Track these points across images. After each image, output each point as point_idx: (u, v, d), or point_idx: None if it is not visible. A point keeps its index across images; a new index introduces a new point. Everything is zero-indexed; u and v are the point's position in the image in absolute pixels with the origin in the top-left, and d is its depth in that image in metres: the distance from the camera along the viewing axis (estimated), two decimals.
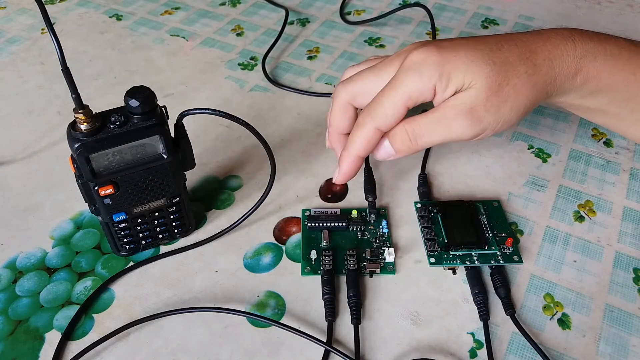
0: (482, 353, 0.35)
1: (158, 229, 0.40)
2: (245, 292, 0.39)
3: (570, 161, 0.48)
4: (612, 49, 0.36)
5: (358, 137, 0.36)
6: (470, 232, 0.40)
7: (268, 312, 0.37)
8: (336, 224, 0.41)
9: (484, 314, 0.36)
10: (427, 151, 0.48)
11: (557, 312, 0.37)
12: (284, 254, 0.41)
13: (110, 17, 0.67)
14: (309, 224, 0.41)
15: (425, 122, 0.35)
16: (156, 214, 0.39)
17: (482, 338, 0.36)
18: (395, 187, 0.45)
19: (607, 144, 0.49)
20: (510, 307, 0.36)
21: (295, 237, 0.42)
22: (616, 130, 0.42)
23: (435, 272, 0.39)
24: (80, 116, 0.33)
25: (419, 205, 0.43)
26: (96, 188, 0.35)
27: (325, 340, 0.35)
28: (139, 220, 0.38)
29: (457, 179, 0.46)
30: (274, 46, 0.61)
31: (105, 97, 0.55)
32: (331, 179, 0.46)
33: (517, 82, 0.34)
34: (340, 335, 0.36)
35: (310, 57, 0.60)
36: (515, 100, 0.34)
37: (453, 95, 0.34)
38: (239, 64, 0.59)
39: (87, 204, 0.37)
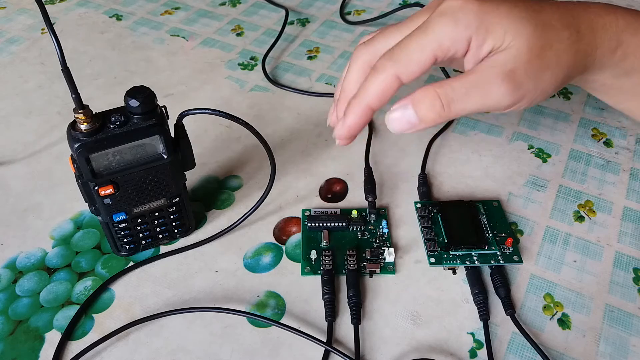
0: (482, 353, 0.35)
1: (158, 229, 0.40)
2: (245, 292, 0.39)
3: (570, 161, 0.48)
4: None
5: (373, 82, 0.31)
6: (470, 232, 0.40)
7: (268, 312, 0.37)
8: (336, 224, 0.41)
9: (484, 314, 0.36)
10: (427, 151, 0.48)
11: (557, 312, 0.37)
12: (284, 254, 0.41)
13: (110, 17, 0.67)
14: (309, 224, 0.42)
15: (459, 85, 0.30)
16: (156, 214, 0.39)
17: (482, 338, 0.36)
18: (395, 187, 0.45)
19: (607, 144, 0.49)
20: (510, 307, 0.36)
21: (295, 237, 0.42)
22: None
23: (435, 272, 0.39)
24: (80, 116, 0.33)
25: (419, 205, 0.43)
26: (96, 188, 0.35)
27: (325, 340, 0.35)
28: (139, 220, 0.38)
29: (457, 179, 0.46)
30: (274, 46, 0.61)
31: (105, 97, 0.55)
32: (331, 179, 0.46)
33: (559, 48, 0.31)
34: (340, 335, 0.36)
35: (310, 57, 0.60)
36: (556, 66, 0.31)
37: (489, 54, 0.30)
38: (239, 64, 0.59)
39: (87, 204, 0.37)
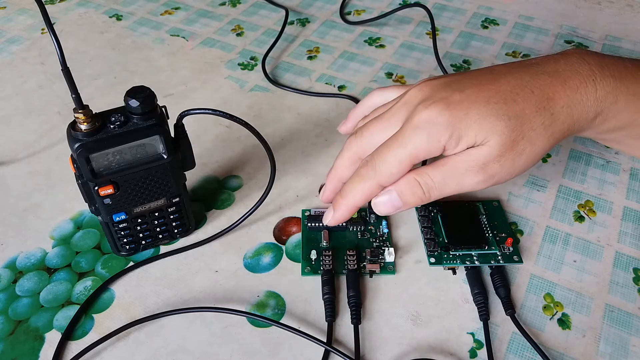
0: (482, 353, 0.35)
1: (158, 229, 0.40)
2: (245, 292, 0.39)
3: (570, 161, 0.48)
4: (635, 88, 0.34)
5: (359, 190, 0.35)
6: (470, 232, 0.40)
7: (268, 312, 0.37)
8: None
9: (484, 314, 0.36)
10: None
11: (557, 312, 0.37)
12: (284, 254, 0.41)
13: (110, 17, 0.67)
14: (309, 224, 0.41)
15: (436, 174, 0.33)
16: (156, 214, 0.39)
17: (482, 338, 0.36)
18: None
19: None
20: (510, 307, 0.36)
21: (295, 237, 0.42)
22: (631, 154, 0.41)
23: (435, 272, 0.39)
24: (80, 116, 0.33)
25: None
26: (96, 188, 0.35)
27: (325, 340, 0.35)
28: (139, 220, 0.38)
29: None
30: (274, 46, 0.61)
31: (105, 97, 0.55)
32: None
33: (532, 135, 0.32)
34: (340, 335, 0.36)
35: (310, 57, 0.60)
36: (530, 152, 0.32)
37: (465, 149, 0.32)
38: (239, 64, 0.59)
39: (87, 204, 0.37)
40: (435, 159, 0.34)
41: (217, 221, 0.43)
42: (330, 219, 0.37)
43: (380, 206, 0.35)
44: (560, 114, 0.33)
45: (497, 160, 0.32)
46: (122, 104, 0.34)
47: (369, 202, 0.40)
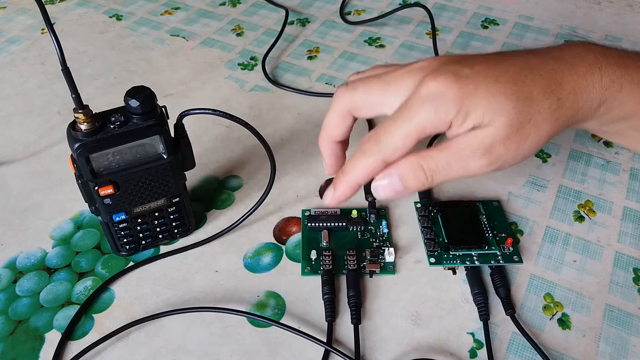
0: (482, 353, 0.35)
1: (158, 229, 0.40)
2: (245, 292, 0.39)
3: (570, 161, 0.48)
4: (639, 77, 0.34)
5: (361, 165, 0.33)
6: (470, 232, 0.40)
7: (268, 312, 0.37)
8: (336, 224, 0.41)
9: (484, 314, 0.36)
10: None
11: (557, 312, 0.37)
12: (284, 254, 0.41)
13: (110, 17, 0.67)
14: (309, 224, 0.42)
15: (440, 158, 0.32)
16: (156, 214, 0.39)
17: (482, 338, 0.36)
18: None
19: (607, 144, 0.49)
20: (510, 307, 0.36)
21: (295, 237, 0.42)
22: (634, 150, 0.41)
23: (435, 272, 0.39)
24: (80, 116, 0.33)
25: (419, 205, 0.43)
26: (96, 188, 0.35)
27: (325, 340, 0.35)
28: (139, 220, 0.38)
29: None
30: (274, 46, 0.61)
31: (105, 97, 0.55)
32: (331, 179, 0.46)
33: (539, 119, 0.32)
34: (340, 335, 0.36)
35: (310, 57, 0.60)
36: (535, 137, 0.32)
37: (471, 130, 0.31)
38: (239, 64, 0.59)
39: (87, 204, 0.37)
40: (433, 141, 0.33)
41: (217, 221, 0.43)
42: (331, 197, 0.35)
43: (380, 190, 0.33)
44: (567, 99, 0.32)
45: (502, 143, 0.31)
46: (122, 104, 0.34)
47: (370, 191, 0.39)
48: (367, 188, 0.43)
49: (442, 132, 0.32)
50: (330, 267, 0.39)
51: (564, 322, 0.37)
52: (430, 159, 0.32)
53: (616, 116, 0.35)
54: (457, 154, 0.32)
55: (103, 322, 0.37)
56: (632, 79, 0.34)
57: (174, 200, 0.39)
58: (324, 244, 0.41)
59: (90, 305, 0.38)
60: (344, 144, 0.38)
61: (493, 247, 0.39)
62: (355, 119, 0.36)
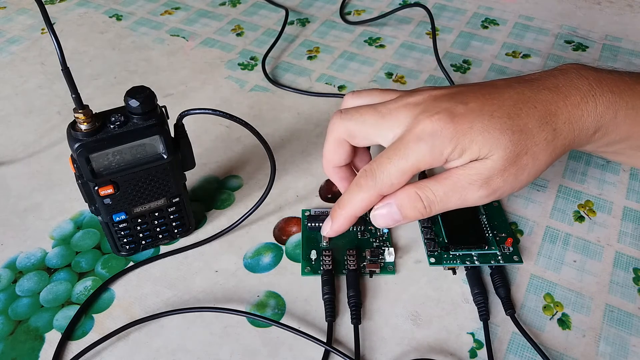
0: (482, 353, 0.35)
1: (158, 229, 0.40)
2: (245, 292, 0.39)
3: (570, 161, 0.48)
4: (634, 102, 0.34)
5: (357, 200, 0.34)
6: (470, 232, 0.40)
7: (268, 312, 0.37)
8: None
9: (484, 314, 0.36)
10: None
11: (557, 312, 0.37)
12: (284, 254, 0.41)
13: (110, 17, 0.67)
14: (309, 224, 0.42)
15: (438, 189, 0.33)
16: (156, 214, 0.39)
17: (482, 338, 0.36)
18: None
19: None
20: (510, 307, 0.36)
21: (295, 237, 0.42)
22: (634, 166, 0.41)
23: (435, 272, 0.39)
24: (80, 116, 0.33)
25: None
26: (96, 188, 0.35)
27: (325, 340, 0.35)
28: (139, 220, 0.38)
29: None
30: (274, 46, 0.61)
31: (105, 97, 0.55)
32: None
33: (536, 150, 0.32)
34: (340, 335, 0.36)
35: (310, 57, 0.60)
36: (533, 167, 0.33)
37: (468, 162, 0.32)
38: (239, 64, 0.59)
39: (87, 204, 0.37)
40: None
41: (217, 221, 0.43)
42: (329, 229, 0.36)
43: (379, 219, 0.34)
44: (562, 129, 0.33)
45: (500, 175, 0.32)
46: (122, 104, 0.34)
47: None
48: None
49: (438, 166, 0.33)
50: (330, 267, 0.39)
51: (564, 322, 0.37)
52: (428, 190, 0.33)
53: (612, 140, 0.36)
54: (455, 186, 0.32)
55: (103, 322, 0.37)
56: (627, 104, 0.34)
57: (174, 200, 0.39)
58: (324, 244, 0.41)
59: (90, 305, 0.38)
60: (350, 166, 0.39)
61: (493, 247, 0.39)
62: (351, 146, 0.37)
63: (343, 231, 0.36)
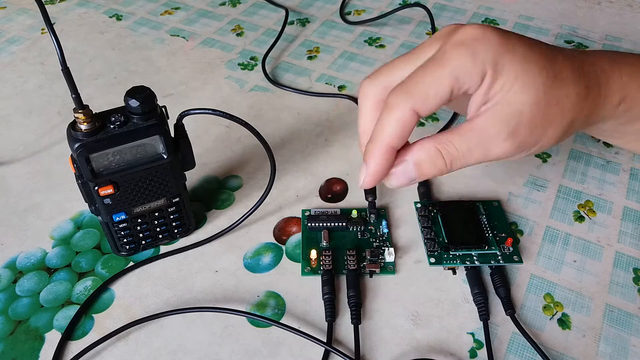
0: (482, 353, 0.35)
1: (158, 229, 0.40)
2: (245, 292, 0.39)
3: (570, 161, 0.48)
4: None
5: (389, 121, 0.29)
6: (470, 232, 0.40)
7: (268, 312, 0.37)
8: (336, 224, 0.41)
9: (484, 314, 0.36)
10: None
11: (557, 312, 0.37)
12: (284, 254, 0.41)
13: (110, 17, 0.67)
14: (309, 224, 0.41)
15: (462, 143, 0.29)
16: (156, 214, 0.39)
17: (482, 338, 0.36)
18: None
19: (607, 144, 0.49)
20: (510, 307, 0.36)
21: (295, 237, 0.42)
22: None
23: (435, 272, 0.39)
24: (80, 116, 0.33)
25: (419, 205, 0.43)
26: (96, 188, 0.35)
27: (325, 340, 0.35)
28: (139, 220, 0.38)
29: (457, 179, 0.46)
30: (274, 46, 0.61)
31: (105, 97, 0.55)
32: (331, 179, 0.46)
33: (565, 105, 0.29)
34: (340, 335, 0.36)
35: (310, 57, 0.60)
36: (559, 124, 0.30)
37: (492, 102, 0.29)
38: (239, 64, 0.59)
39: (87, 204, 0.37)
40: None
41: (217, 221, 0.43)
42: (365, 175, 0.30)
43: (393, 178, 0.30)
44: (592, 89, 0.31)
45: (527, 125, 0.29)
46: (122, 104, 0.34)
47: (370, 191, 0.37)
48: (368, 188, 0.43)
49: (469, 95, 0.29)
50: (330, 267, 0.39)
51: (564, 322, 0.37)
52: (450, 144, 0.29)
53: (635, 115, 0.34)
54: (480, 137, 0.29)
55: (103, 322, 0.37)
56: None
57: (174, 200, 0.39)
58: (324, 244, 0.41)
59: (90, 305, 0.38)
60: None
61: (493, 247, 0.39)
62: None
63: (382, 172, 0.30)
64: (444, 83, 0.28)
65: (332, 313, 0.36)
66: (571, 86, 0.30)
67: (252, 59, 0.60)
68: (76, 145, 0.33)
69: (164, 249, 0.41)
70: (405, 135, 0.30)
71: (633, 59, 0.35)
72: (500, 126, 0.29)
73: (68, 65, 0.32)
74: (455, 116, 0.52)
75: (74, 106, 0.33)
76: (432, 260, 0.39)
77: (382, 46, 0.62)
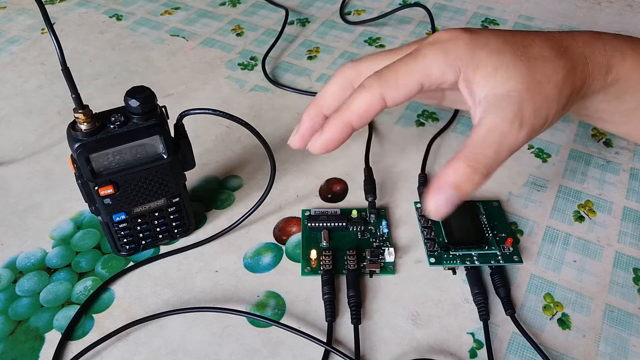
0: (482, 353, 0.35)
1: (158, 229, 0.40)
2: (245, 292, 0.39)
3: (570, 161, 0.48)
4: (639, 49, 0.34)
5: (358, 99, 0.31)
6: (470, 232, 0.40)
7: (268, 312, 0.37)
8: (336, 224, 0.41)
9: (484, 314, 0.36)
10: (427, 151, 0.48)
11: (557, 312, 0.37)
12: (284, 254, 0.41)
13: (110, 17, 0.67)
14: (309, 224, 0.41)
15: (486, 148, 0.30)
16: (156, 214, 0.39)
17: (482, 338, 0.36)
18: (395, 187, 0.45)
19: (607, 143, 0.49)
20: (510, 307, 0.36)
21: (295, 237, 0.42)
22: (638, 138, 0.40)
23: (435, 272, 0.39)
24: (80, 116, 0.33)
25: (419, 205, 0.43)
26: (96, 188, 0.35)
27: (325, 340, 0.35)
28: (139, 220, 0.38)
29: None
30: (274, 46, 0.61)
31: (105, 97, 0.55)
32: (331, 179, 0.46)
33: (558, 79, 0.31)
34: (340, 335, 0.36)
35: (310, 57, 0.60)
36: (558, 98, 0.31)
37: (487, 99, 0.30)
38: (239, 64, 0.59)
39: (87, 204, 0.37)
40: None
41: (217, 221, 0.43)
42: (317, 140, 0.32)
43: (440, 207, 0.31)
44: (579, 60, 0.32)
45: (528, 104, 0.30)
46: (122, 104, 0.34)
47: (370, 191, 0.38)
48: (368, 188, 0.43)
49: (447, 89, 0.31)
50: (330, 267, 0.39)
51: (564, 322, 0.37)
52: (482, 155, 0.30)
53: (622, 90, 0.35)
54: (499, 136, 0.30)
55: (103, 322, 0.37)
56: (634, 51, 0.34)
57: (174, 200, 0.39)
58: (324, 244, 0.41)
59: (90, 305, 0.38)
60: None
61: (493, 247, 0.39)
62: None
63: (334, 143, 0.32)
64: (415, 76, 0.30)
65: (332, 313, 0.36)
66: (556, 62, 0.31)
67: (252, 59, 0.60)
68: (76, 145, 0.33)
69: (164, 249, 0.41)
70: (367, 119, 0.31)
71: (612, 35, 0.35)
72: (510, 119, 0.30)
73: (68, 65, 0.32)
74: (454, 117, 0.52)
75: (74, 106, 0.33)
76: (432, 260, 0.39)
77: (382, 46, 0.62)
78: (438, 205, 0.31)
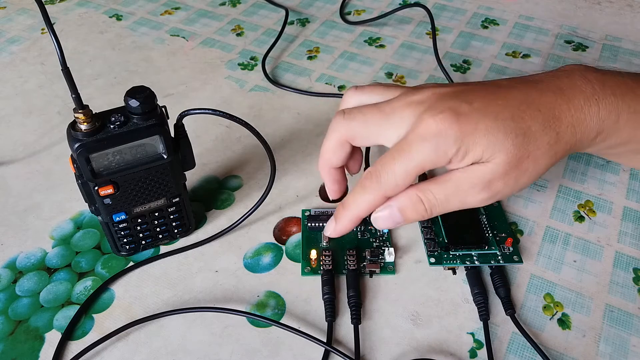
0: (482, 353, 0.35)
1: (158, 229, 0.40)
2: (245, 292, 0.39)
3: (570, 161, 0.48)
4: (636, 106, 0.34)
5: (362, 201, 0.34)
6: (470, 232, 0.40)
7: (268, 312, 0.37)
8: None
9: (484, 314, 0.36)
10: None
11: (557, 312, 0.37)
12: (284, 254, 0.41)
13: (110, 17, 0.67)
14: (309, 224, 0.42)
15: (439, 191, 0.33)
16: (156, 214, 0.39)
17: (482, 338, 0.36)
18: None
19: None
20: (510, 307, 0.36)
21: (295, 237, 0.42)
22: (631, 166, 0.41)
23: (435, 272, 0.39)
24: (80, 116, 0.33)
25: None
26: (96, 188, 0.35)
27: (325, 340, 0.35)
28: (139, 220, 0.38)
29: None
30: (274, 46, 0.61)
31: (105, 97, 0.55)
32: None
33: (538, 154, 0.32)
34: (340, 335, 0.36)
35: (310, 57, 0.60)
36: (534, 170, 0.33)
37: (470, 165, 0.32)
38: (239, 64, 0.59)
39: (87, 204, 0.37)
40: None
41: (217, 221, 0.43)
42: (332, 230, 0.36)
43: (380, 221, 0.34)
44: (565, 133, 0.33)
45: (501, 178, 0.32)
46: (122, 104, 0.34)
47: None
48: None
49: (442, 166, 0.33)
50: (330, 267, 0.39)
51: (564, 322, 0.37)
52: (429, 192, 0.33)
53: (613, 143, 0.35)
54: (457, 188, 0.33)
55: (103, 322, 0.37)
56: (629, 108, 0.34)
57: (174, 200, 0.39)
58: (324, 244, 0.41)
59: (90, 305, 0.38)
60: (343, 168, 0.39)
61: (493, 247, 0.39)
62: (352, 147, 0.36)
63: (346, 232, 0.36)
64: (411, 174, 0.32)
65: (332, 313, 0.36)
66: (541, 138, 0.32)
67: (252, 59, 0.60)
68: (76, 145, 0.33)
69: (164, 249, 0.41)
70: (372, 210, 0.34)
71: (615, 86, 0.35)
72: (475, 181, 0.32)
73: (68, 65, 0.32)
74: None
75: (74, 106, 0.33)
76: (432, 260, 0.39)
77: (382, 46, 0.62)
78: (382, 216, 0.34)
